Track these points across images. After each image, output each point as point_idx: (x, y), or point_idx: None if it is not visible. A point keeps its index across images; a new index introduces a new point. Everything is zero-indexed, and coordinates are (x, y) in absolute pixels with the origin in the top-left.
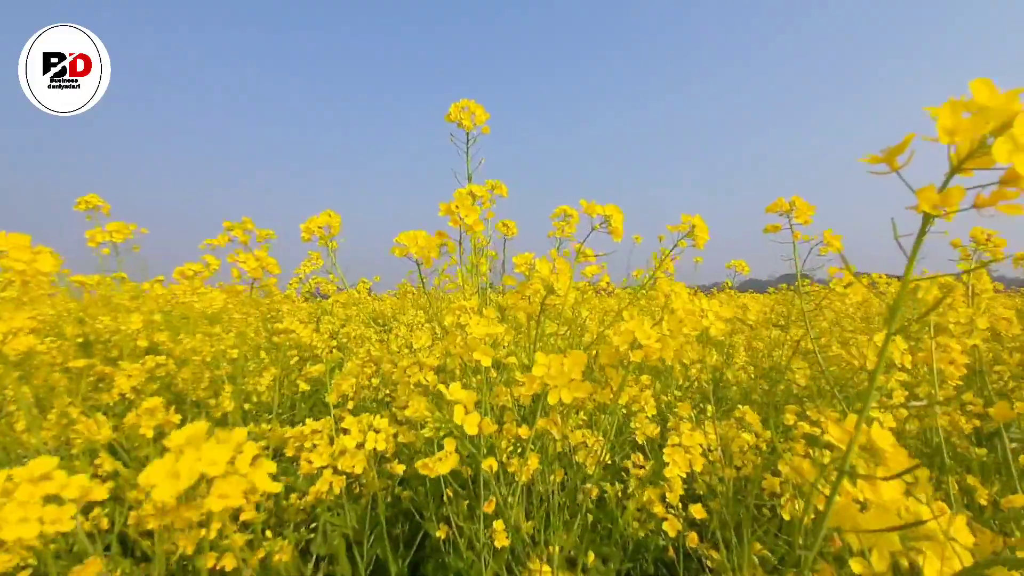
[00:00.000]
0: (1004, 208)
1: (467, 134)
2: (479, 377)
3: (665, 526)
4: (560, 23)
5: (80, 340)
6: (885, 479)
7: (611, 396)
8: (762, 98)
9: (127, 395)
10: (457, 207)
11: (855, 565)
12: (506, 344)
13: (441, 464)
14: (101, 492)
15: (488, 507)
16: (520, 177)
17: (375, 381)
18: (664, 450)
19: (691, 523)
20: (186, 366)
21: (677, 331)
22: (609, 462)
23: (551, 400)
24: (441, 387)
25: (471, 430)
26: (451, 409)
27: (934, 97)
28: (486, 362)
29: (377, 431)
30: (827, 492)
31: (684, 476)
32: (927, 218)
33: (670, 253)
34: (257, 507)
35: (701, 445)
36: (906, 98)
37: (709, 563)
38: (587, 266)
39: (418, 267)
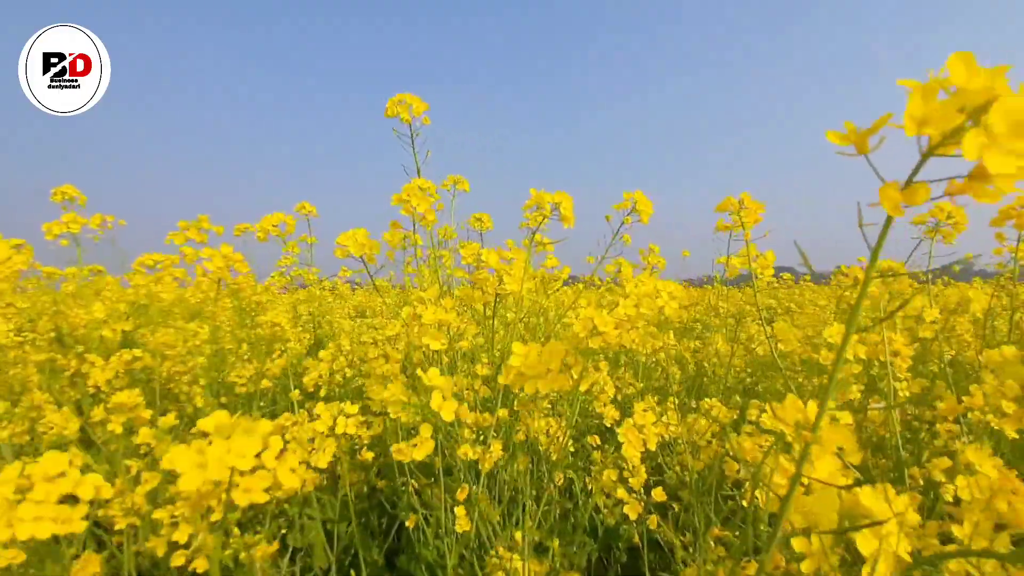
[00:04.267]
0: (978, 196)
1: (411, 128)
2: (442, 365)
3: (626, 509)
4: (561, 20)
5: (52, 335)
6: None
7: (571, 383)
8: (760, 93)
9: (102, 388)
10: (408, 197)
11: (797, 544)
12: (469, 335)
13: (416, 450)
14: (108, 490)
15: (461, 494)
16: (518, 172)
17: (349, 372)
18: (619, 430)
19: (658, 510)
20: (165, 360)
21: (634, 315)
22: (573, 450)
23: (528, 390)
24: (419, 372)
25: (448, 416)
26: (428, 395)
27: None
28: (436, 346)
29: (348, 415)
30: (775, 475)
31: (641, 454)
32: (888, 220)
33: (618, 233)
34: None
35: (657, 427)
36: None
37: (678, 552)
38: (547, 257)
39: (365, 265)
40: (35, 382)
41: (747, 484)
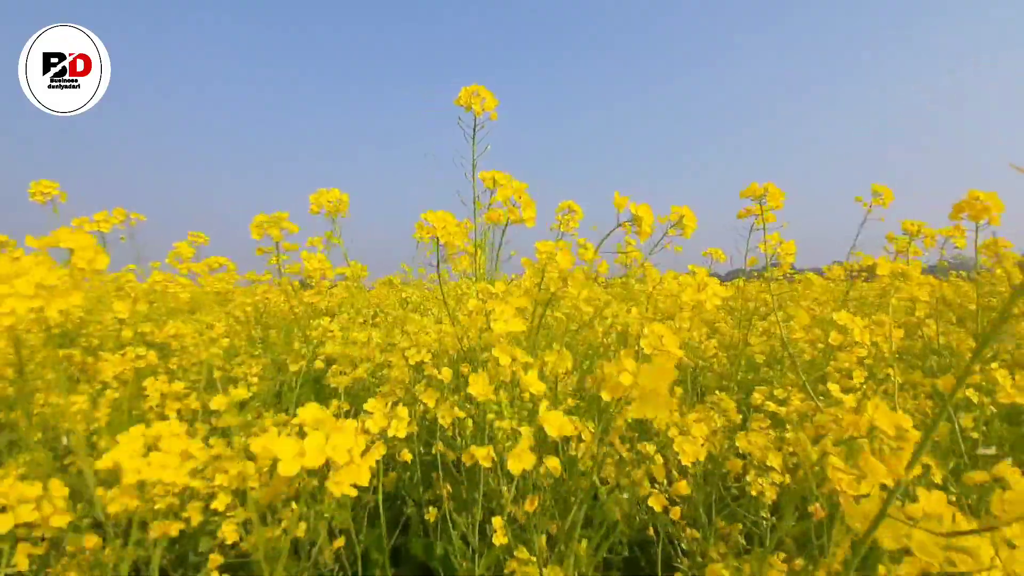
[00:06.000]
0: None
1: (475, 120)
2: (490, 366)
3: (651, 501)
4: (563, 14)
5: (57, 331)
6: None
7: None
8: (757, 93)
9: (109, 383)
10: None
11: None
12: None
13: (514, 462)
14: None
15: (530, 505)
16: (525, 166)
17: (378, 356)
18: (675, 440)
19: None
20: (171, 357)
21: (687, 325)
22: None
23: (633, 414)
24: (523, 376)
25: (553, 432)
26: (534, 401)
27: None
28: (504, 360)
29: (400, 419)
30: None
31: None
32: None
33: (660, 241)
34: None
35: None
36: (889, 90)
37: (683, 544)
38: (582, 250)
39: (437, 251)
40: (49, 380)
41: (752, 476)
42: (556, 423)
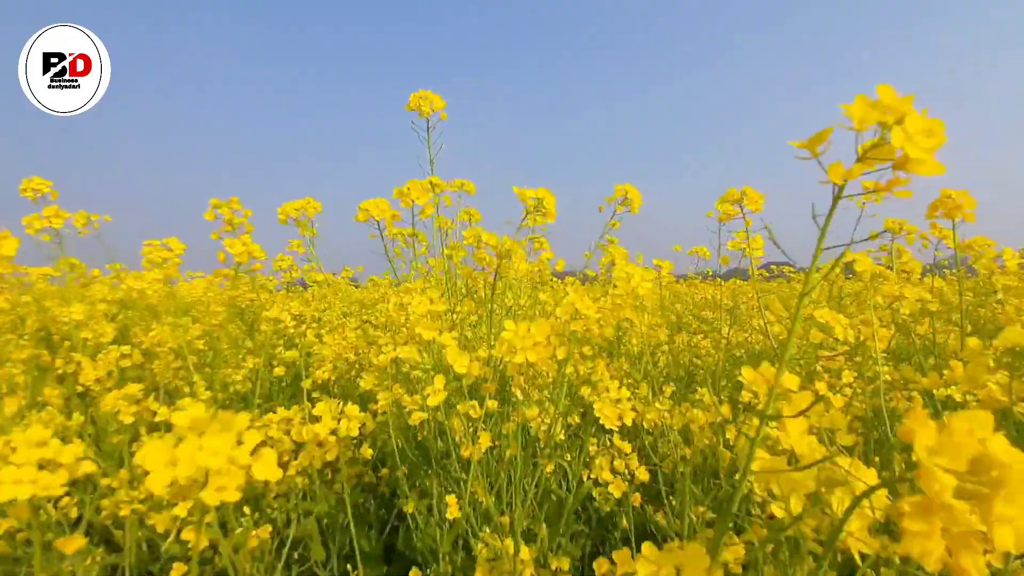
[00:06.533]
0: (897, 193)
1: (427, 122)
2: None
3: (611, 488)
4: (563, 14)
5: (41, 334)
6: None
7: (556, 364)
8: (756, 93)
9: (91, 387)
10: (408, 190)
11: (775, 509)
12: (465, 312)
13: (432, 398)
14: (90, 465)
15: (487, 442)
16: (525, 166)
17: (351, 355)
18: (595, 405)
19: (654, 500)
20: (156, 358)
21: (622, 301)
22: (563, 437)
23: (517, 360)
24: (447, 336)
25: (461, 369)
26: (444, 352)
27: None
28: (428, 336)
29: (349, 418)
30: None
31: (635, 444)
32: (837, 194)
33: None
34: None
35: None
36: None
37: (664, 529)
38: (544, 251)
39: (380, 233)
40: (20, 382)
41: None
42: (462, 362)
